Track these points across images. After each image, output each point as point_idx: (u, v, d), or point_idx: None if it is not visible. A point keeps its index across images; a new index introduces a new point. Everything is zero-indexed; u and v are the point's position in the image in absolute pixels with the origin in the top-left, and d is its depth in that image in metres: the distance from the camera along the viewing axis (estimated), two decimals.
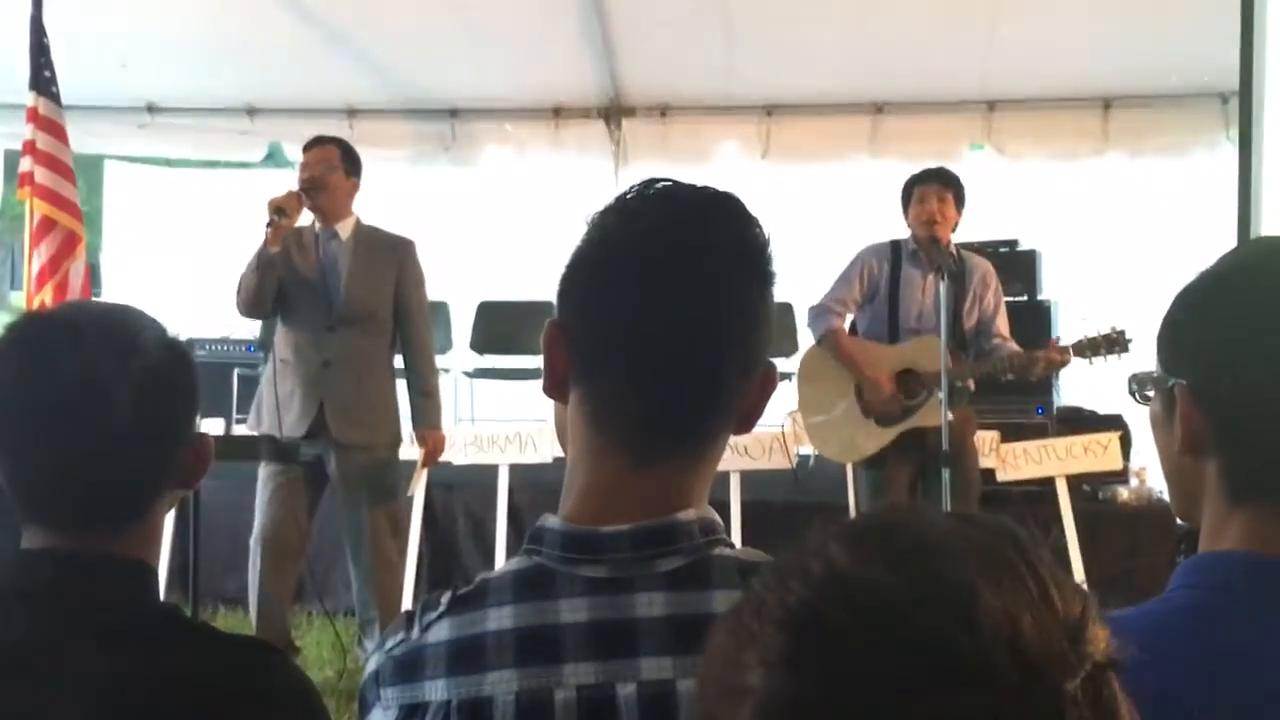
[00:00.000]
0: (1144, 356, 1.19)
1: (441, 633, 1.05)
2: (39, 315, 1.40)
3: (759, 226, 1.10)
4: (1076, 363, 4.61)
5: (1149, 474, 5.70)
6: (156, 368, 1.28)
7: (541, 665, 1.02)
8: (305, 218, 4.46)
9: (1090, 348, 4.49)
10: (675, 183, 1.11)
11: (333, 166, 4.45)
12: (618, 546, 1.04)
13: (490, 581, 1.07)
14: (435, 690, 1.04)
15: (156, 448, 1.30)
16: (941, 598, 0.62)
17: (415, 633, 1.07)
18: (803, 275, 6.87)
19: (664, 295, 1.05)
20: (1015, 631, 0.61)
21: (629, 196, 1.10)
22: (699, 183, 1.11)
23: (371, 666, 1.10)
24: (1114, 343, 4.46)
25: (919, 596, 0.62)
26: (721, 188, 1.11)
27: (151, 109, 7.21)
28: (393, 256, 4.55)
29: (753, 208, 1.12)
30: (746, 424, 1.12)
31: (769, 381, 1.12)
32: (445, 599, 1.08)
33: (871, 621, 0.62)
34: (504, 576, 1.07)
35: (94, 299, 1.52)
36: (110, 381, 1.24)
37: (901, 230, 4.82)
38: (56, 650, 1.20)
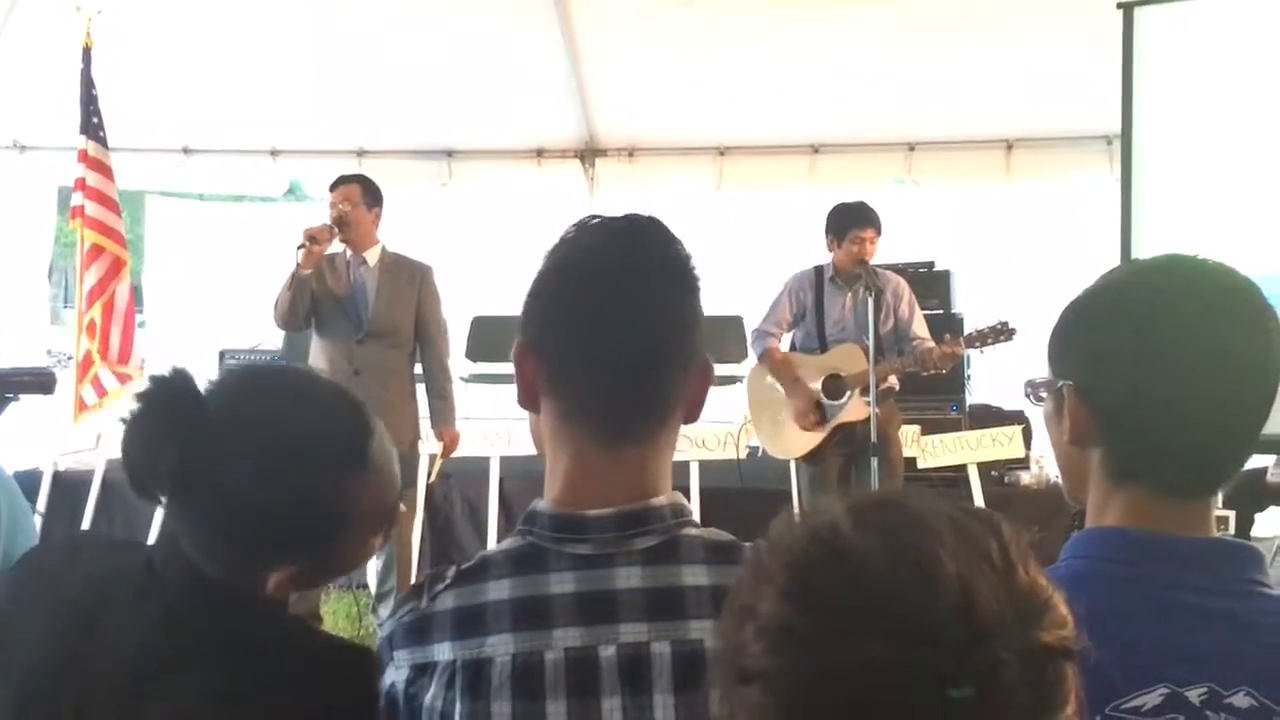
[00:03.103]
0: (1040, 362, 1.20)
1: (448, 602, 1.06)
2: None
3: (680, 244, 1.12)
4: (984, 359, 4.66)
5: (1046, 461, 5.74)
6: (291, 489, 1.12)
7: (534, 630, 1.03)
8: (338, 245, 4.47)
9: (979, 339, 4.57)
10: (605, 217, 1.12)
11: (355, 202, 4.46)
12: (602, 527, 1.06)
13: (490, 558, 1.08)
14: (442, 651, 1.04)
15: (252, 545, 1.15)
16: (911, 563, 0.65)
17: (424, 601, 1.07)
18: (751, 290, 6.94)
19: (607, 308, 1.07)
20: (969, 600, 0.64)
21: (570, 235, 1.12)
22: (654, 213, 1.14)
23: (385, 632, 1.10)
24: (999, 333, 4.53)
25: (893, 560, 0.65)
26: (653, 214, 1.13)
27: (187, 150, 7.15)
28: (414, 281, 4.57)
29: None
30: (692, 413, 1.13)
31: (706, 374, 1.13)
32: (451, 573, 1.08)
33: (852, 574, 0.66)
34: (502, 554, 1.08)
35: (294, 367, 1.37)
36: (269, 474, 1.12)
37: (824, 254, 4.85)
38: (162, 658, 1.10)
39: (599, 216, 1.13)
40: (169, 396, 1.11)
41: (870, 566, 0.66)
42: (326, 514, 1.14)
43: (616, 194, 7.28)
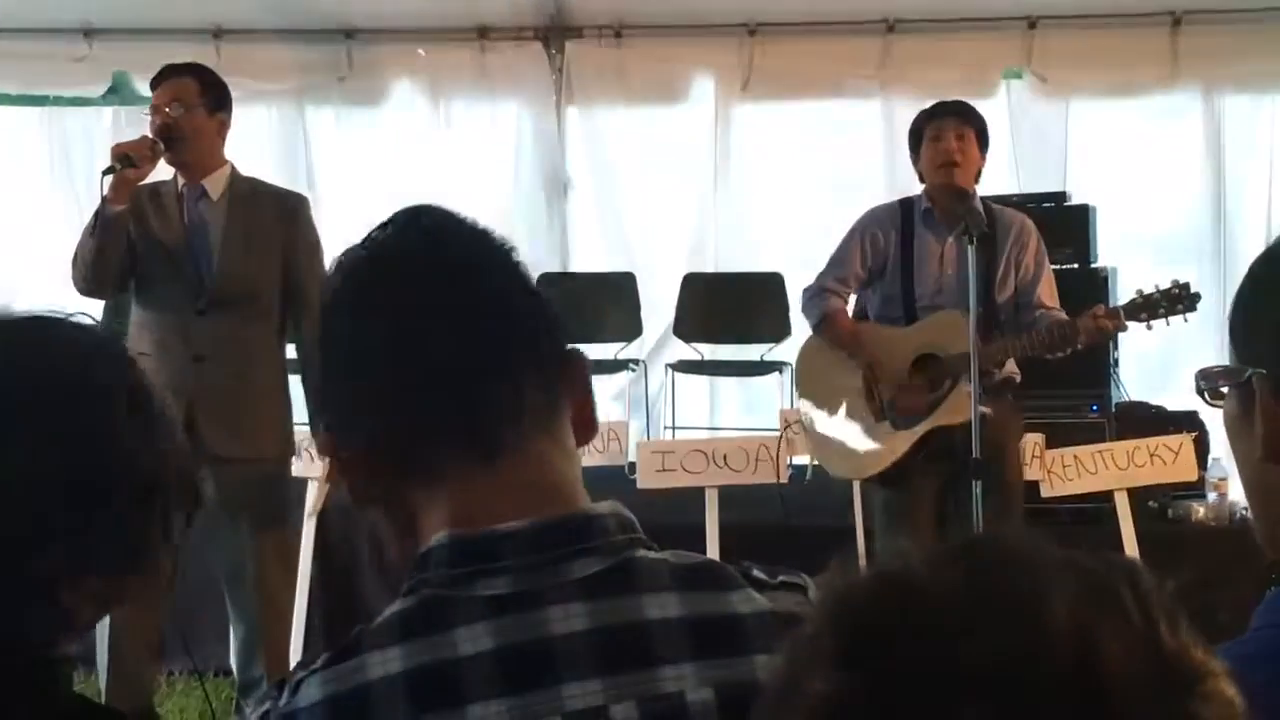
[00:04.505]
0: (1219, 341, 1.21)
1: (313, 692, 1.09)
2: None
3: (479, 227, 1.25)
4: (1139, 338, 4.62)
5: (1231, 486, 5.75)
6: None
7: (441, 711, 1.05)
8: (165, 171, 4.43)
9: (1147, 308, 4.50)
10: (388, 222, 1.25)
11: (190, 104, 4.42)
12: (518, 548, 1.10)
13: (368, 629, 1.12)
14: None
15: None
16: (1006, 605, 0.68)
17: (284, 699, 1.10)
18: (793, 238, 6.94)
19: (428, 329, 1.19)
20: (1090, 655, 0.66)
21: (351, 257, 1.24)
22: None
23: None
24: (1176, 299, 4.45)
25: (981, 602, 0.68)
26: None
27: None
28: (279, 218, 4.55)
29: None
30: (583, 425, 1.24)
31: (578, 371, 1.24)
32: (320, 659, 1.12)
33: (928, 626, 0.68)
34: (385, 619, 1.12)
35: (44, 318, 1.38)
36: None
37: (914, 183, 4.84)
38: None
39: (382, 228, 1.25)
40: None
41: (953, 613, 0.68)
42: (105, 475, 1.19)
43: (596, 95, 7.27)
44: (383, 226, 1.25)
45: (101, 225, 4.26)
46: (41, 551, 1.18)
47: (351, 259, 1.24)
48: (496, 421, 1.16)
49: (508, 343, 1.20)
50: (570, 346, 1.25)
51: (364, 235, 1.26)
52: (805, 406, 5.01)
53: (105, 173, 4.25)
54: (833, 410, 4.87)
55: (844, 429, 4.84)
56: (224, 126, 4.53)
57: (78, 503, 1.18)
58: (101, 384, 1.21)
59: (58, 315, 1.26)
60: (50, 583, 1.18)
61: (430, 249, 1.23)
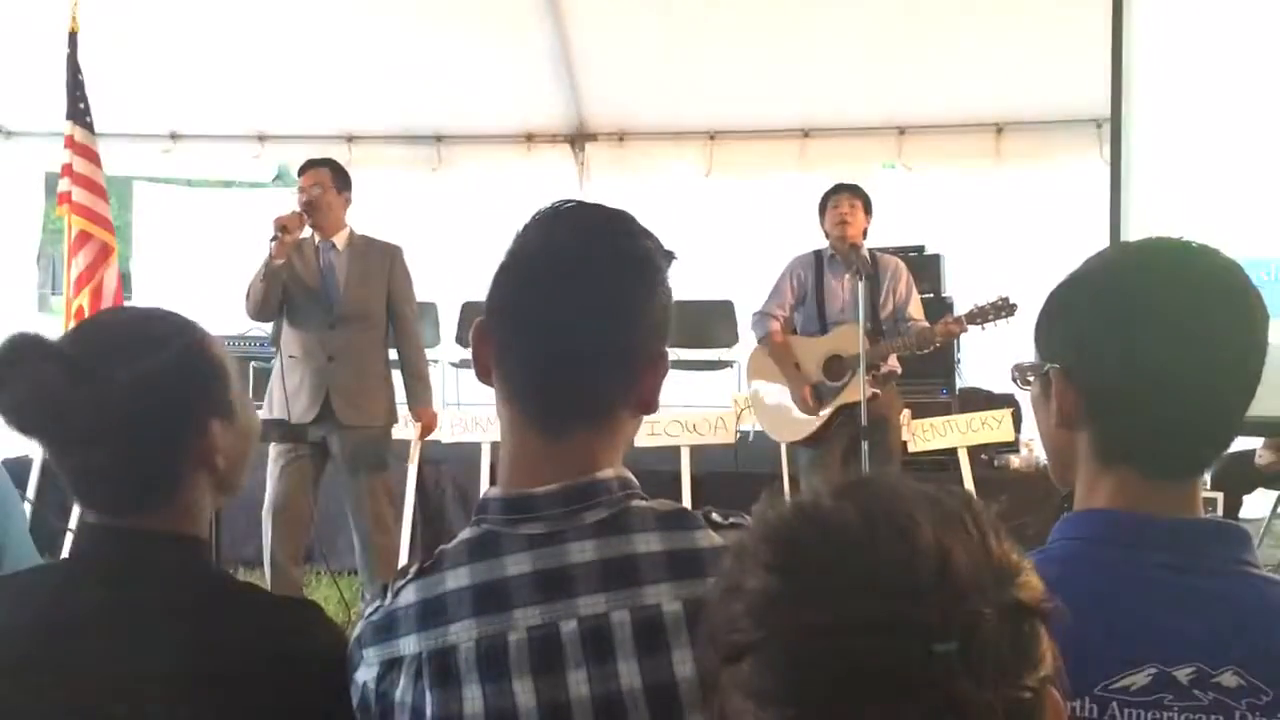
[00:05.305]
0: (1028, 345, 1.21)
1: (409, 596, 1.09)
2: (83, 321, 1.37)
3: (643, 237, 1.14)
4: (974, 342, 4.66)
5: (1036, 445, 5.77)
6: (154, 369, 1.18)
7: (495, 614, 1.05)
8: (305, 231, 4.45)
9: (981, 315, 4.57)
10: (576, 205, 1.15)
11: (325, 186, 4.44)
12: (550, 504, 1.09)
13: (446, 551, 1.11)
14: (408, 645, 1.07)
15: (159, 439, 1.19)
16: (889, 528, 0.69)
17: (389, 599, 1.11)
18: (740, 275, 6.94)
19: (546, 297, 1.10)
20: (946, 560, 0.67)
21: (534, 220, 1.14)
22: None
23: (355, 632, 1.13)
24: (1001, 309, 4.53)
25: (872, 526, 0.69)
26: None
27: (174, 136, 7.13)
28: (384, 261, 4.55)
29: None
30: (646, 405, 1.15)
31: (657, 369, 1.14)
32: (413, 570, 1.12)
33: (833, 541, 0.69)
34: (458, 545, 1.11)
35: (131, 304, 1.38)
36: (99, 382, 1.16)
37: (822, 239, 4.87)
38: (122, 617, 1.15)
39: (572, 202, 1.15)
40: (27, 339, 1.17)
41: (850, 532, 0.69)
42: (200, 369, 1.23)
43: (607, 179, 7.27)
44: (562, 206, 1.14)
45: (268, 273, 4.28)
46: (175, 416, 1.20)
47: (529, 225, 1.13)
48: (563, 418, 1.10)
49: (597, 337, 1.10)
50: (660, 350, 1.14)
51: (547, 208, 1.13)
52: (754, 392, 5.03)
53: (271, 239, 4.26)
54: (773, 395, 4.90)
55: (780, 406, 4.87)
56: (347, 202, 4.55)
57: (187, 380, 1.21)
58: (182, 332, 1.24)
59: (168, 310, 1.30)
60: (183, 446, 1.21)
61: (570, 237, 1.11)
